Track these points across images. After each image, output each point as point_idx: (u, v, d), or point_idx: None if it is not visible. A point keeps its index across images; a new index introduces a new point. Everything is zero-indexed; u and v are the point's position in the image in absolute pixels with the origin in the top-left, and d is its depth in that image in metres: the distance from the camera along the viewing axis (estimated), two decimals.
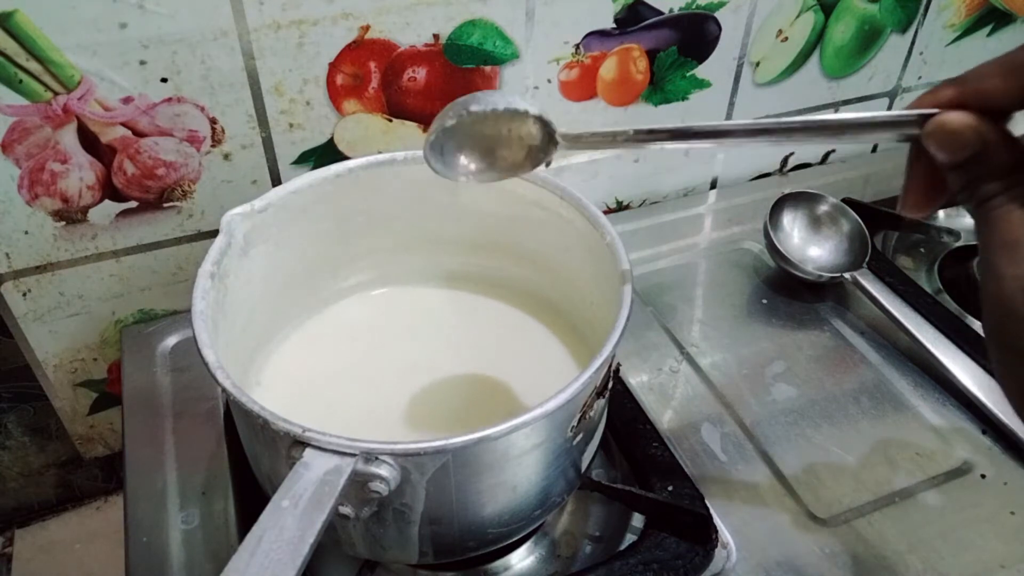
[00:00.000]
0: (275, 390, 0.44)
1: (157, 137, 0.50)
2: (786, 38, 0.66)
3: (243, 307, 0.41)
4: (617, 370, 0.47)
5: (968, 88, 0.26)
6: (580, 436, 0.37)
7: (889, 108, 0.77)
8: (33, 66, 0.45)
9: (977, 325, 0.58)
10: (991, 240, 0.25)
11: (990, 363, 0.26)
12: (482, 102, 0.35)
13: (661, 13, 0.60)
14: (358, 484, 0.30)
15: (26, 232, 0.50)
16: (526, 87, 0.58)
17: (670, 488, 0.45)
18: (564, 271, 0.47)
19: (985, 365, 0.52)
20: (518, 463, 0.35)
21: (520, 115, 0.35)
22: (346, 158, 0.48)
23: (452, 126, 0.35)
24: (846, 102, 0.74)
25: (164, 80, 0.48)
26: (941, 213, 0.68)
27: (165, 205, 0.53)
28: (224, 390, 0.32)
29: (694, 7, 0.60)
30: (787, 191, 0.63)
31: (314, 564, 0.43)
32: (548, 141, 0.36)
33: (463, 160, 0.38)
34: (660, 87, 0.64)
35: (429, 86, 0.55)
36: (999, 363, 0.26)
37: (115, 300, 0.56)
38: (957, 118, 0.26)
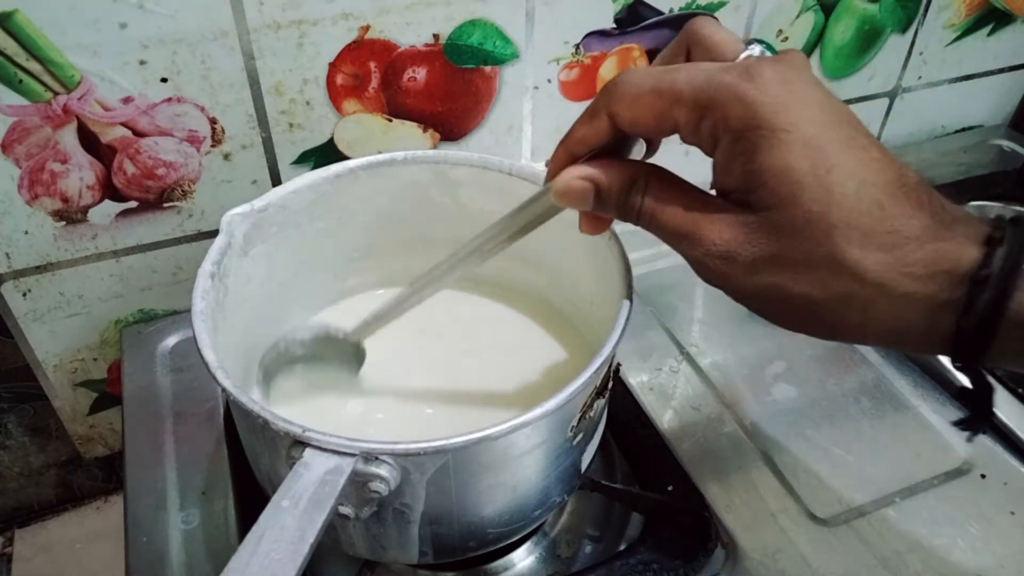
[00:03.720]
0: (278, 391, 0.44)
1: (157, 137, 0.50)
2: (786, 38, 0.66)
3: (243, 307, 0.41)
4: (617, 370, 0.47)
5: (571, 144, 0.31)
6: (580, 436, 0.37)
7: (889, 109, 0.77)
8: (33, 66, 0.45)
9: None
10: (667, 238, 0.30)
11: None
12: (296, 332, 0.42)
13: (661, 13, 0.60)
14: (358, 484, 0.30)
15: (26, 232, 0.50)
16: (526, 87, 0.58)
17: (670, 488, 0.45)
18: (564, 271, 0.47)
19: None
20: (518, 463, 0.35)
21: (332, 337, 0.42)
22: (346, 158, 0.48)
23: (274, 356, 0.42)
24: (847, 102, 0.73)
25: (164, 80, 0.48)
26: None
27: (165, 205, 0.53)
28: (224, 390, 0.32)
29: (694, 7, 0.60)
30: None
31: (314, 564, 0.43)
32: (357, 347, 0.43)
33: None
34: None
35: (429, 86, 0.55)
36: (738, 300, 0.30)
37: (115, 300, 0.56)
38: (563, 178, 0.31)
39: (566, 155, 0.31)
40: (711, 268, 0.28)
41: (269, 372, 0.42)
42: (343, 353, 0.43)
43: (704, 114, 0.27)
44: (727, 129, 0.27)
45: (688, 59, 0.31)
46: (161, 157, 0.51)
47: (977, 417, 0.29)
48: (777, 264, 0.27)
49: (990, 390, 0.28)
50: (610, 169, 0.31)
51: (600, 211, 0.31)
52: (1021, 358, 0.26)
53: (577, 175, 0.31)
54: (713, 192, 0.29)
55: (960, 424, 0.30)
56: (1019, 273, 0.24)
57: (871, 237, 0.25)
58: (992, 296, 0.25)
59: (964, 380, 0.48)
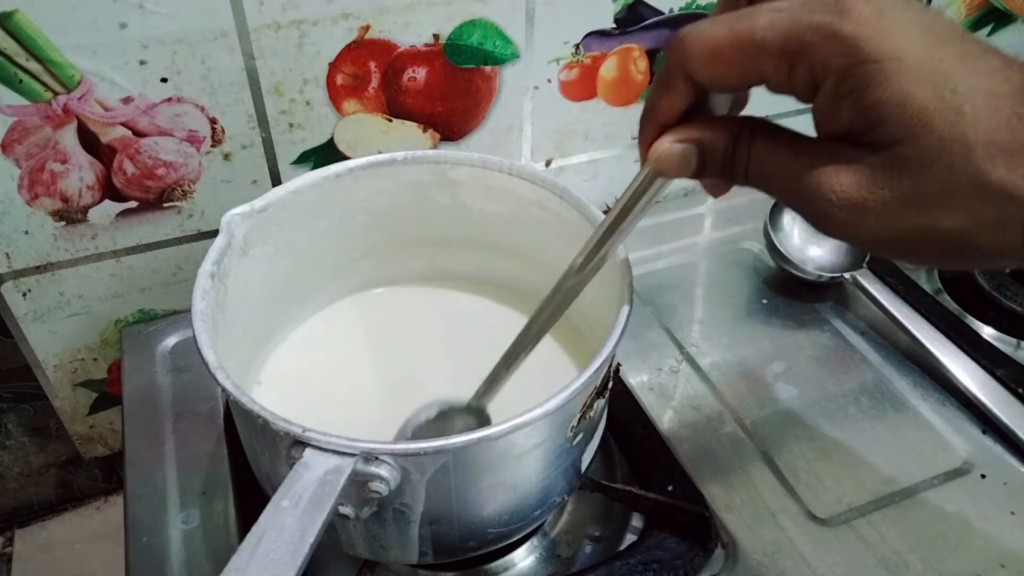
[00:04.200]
0: (275, 390, 0.44)
1: (157, 137, 0.50)
2: None
3: (243, 307, 0.41)
4: (617, 370, 0.47)
5: (655, 117, 0.29)
6: (580, 436, 0.37)
7: None
8: (33, 66, 0.45)
9: (978, 325, 0.58)
10: (781, 193, 0.27)
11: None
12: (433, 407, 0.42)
13: (661, 13, 0.60)
14: (358, 484, 0.30)
15: (26, 232, 0.50)
16: (526, 87, 0.58)
17: (670, 488, 0.45)
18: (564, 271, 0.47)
19: (985, 365, 0.52)
20: (518, 463, 0.35)
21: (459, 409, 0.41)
22: (346, 158, 0.48)
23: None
24: None
25: (164, 80, 0.48)
26: None
27: (165, 205, 0.53)
28: (224, 390, 0.32)
29: (694, 7, 0.60)
30: None
31: (314, 564, 0.43)
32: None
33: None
34: None
35: (429, 86, 0.55)
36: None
37: (115, 300, 0.56)
38: (660, 146, 0.29)
39: (653, 129, 0.29)
40: (837, 220, 0.26)
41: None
42: (467, 417, 0.42)
43: (797, 60, 0.25)
44: (829, 71, 0.24)
45: (751, 2, 0.28)
46: (161, 157, 0.51)
47: None
48: (914, 203, 0.25)
49: None
50: (708, 128, 0.28)
51: (704, 175, 0.29)
52: None
53: (674, 139, 0.28)
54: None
55: None
56: None
57: (1017, 152, 0.23)
58: None
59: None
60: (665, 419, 0.51)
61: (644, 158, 0.30)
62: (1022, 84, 0.24)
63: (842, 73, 0.24)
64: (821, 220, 0.27)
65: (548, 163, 0.63)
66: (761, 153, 0.27)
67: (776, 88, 0.26)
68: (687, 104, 0.28)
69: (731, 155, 0.28)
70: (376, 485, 0.30)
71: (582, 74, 0.60)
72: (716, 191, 0.32)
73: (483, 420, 0.41)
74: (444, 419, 0.41)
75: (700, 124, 0.28)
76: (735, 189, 0.31)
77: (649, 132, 0.29)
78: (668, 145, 0.29)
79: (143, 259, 0.55)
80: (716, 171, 0.29)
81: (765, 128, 0.28)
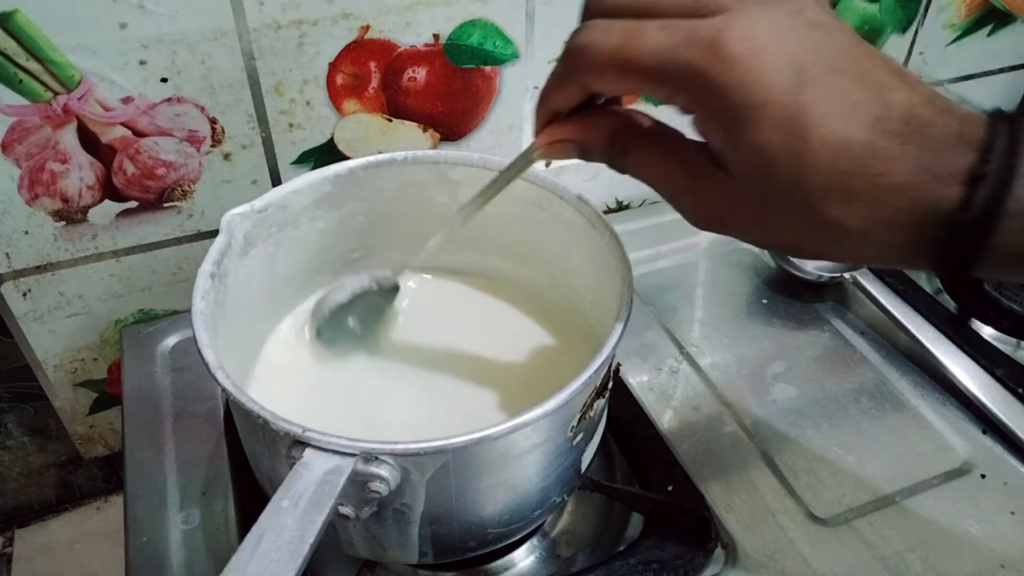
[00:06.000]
0: (274, 390, 0.44)
1: (157, 137, 0.50)
2: None
3: (243, 307, 0.41)
4: (617, 370, 0.47)
5: (549, 106, 0.32)
6: (580, 436, 0.37)
7: None
8: (33, 66, 0.45)
9: (978, 325, 0.58)
10: (658, 193, 0.31)
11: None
12: (336, 295, 0.44)
13: None
14: (358, 484, 0.30)
15: (26, 232, 0.50)
16: (526, 87, 0.58)
17: (670, 488, 0.45)
18: (564, 271, 0.47)
19: (985, 365, 0.52)
20: (518, 463, 0.35)
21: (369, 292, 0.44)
22: (346, 158, 0.48)
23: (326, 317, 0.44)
24: None
25: (164, 80, 0.48)
26: None
27: (165, 205, 0.53)
28: (224, 390, 0.32)
29: None
30: None
31: (314, 564, 0.43)
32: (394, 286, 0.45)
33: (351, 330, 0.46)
34: None
35: (429, 86, 0.55)
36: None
37: (115, 300, 0.56)
38: (544, 139, 0.32)
39: (545, 115, 0.32)
40: (702, 227, 0.31)
41: (321, 331, 0.45)
42: (381, 296, 0.45)
43: (672, 91, 0.27)
44: (695, 108, 0.27)
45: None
46: (161, 157, 0.51)
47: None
48: (764, 225, 0.29)
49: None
50: (589, 126, 0.31)
51: (592, 161, 0.32)
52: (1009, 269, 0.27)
53: (556, 137, 0.32)
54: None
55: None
56: (997, 213, 0.25)
57: (852, 195, 0.26)
58: (969, 240, 0.25)
59: None
60: (665, 419, 0.51)
61: (535, 135, 0.33)
62: (875, 118, 0.25)
63: (707, 113, 0.27)
64: (689, 222, 0.31)
65: (548, 163, 0.63)
66: (638, 158, 0.31)
67: (659, 102, 0.28)
68: (577, 102, 0.31)
69: (609, 155, 0.31)
70: (376, 485, 0.30)
71: None
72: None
73: (395, 290, 0.45)
74: (356, 299, 0.44)
75: (582, 123, 0.31)
76: None
77: (541, 118, 0.32)
78: (550, 139, 0.32)
79: (143, 259, 0.55)
80: (600, 162, 0.32)
81: (641, 132, 0.31)
